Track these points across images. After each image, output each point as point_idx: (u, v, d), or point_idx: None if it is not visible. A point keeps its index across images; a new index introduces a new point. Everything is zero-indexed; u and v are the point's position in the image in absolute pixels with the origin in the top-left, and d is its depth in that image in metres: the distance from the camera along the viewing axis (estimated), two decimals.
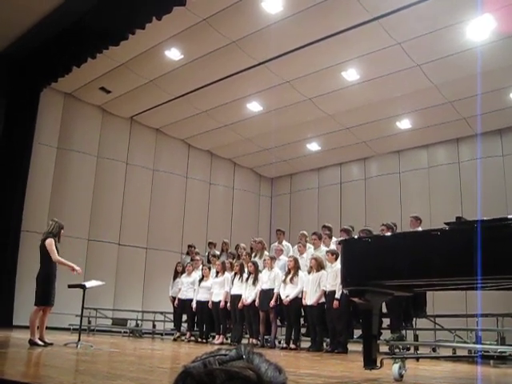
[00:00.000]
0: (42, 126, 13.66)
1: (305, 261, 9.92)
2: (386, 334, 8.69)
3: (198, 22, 10.83)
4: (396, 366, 4.39)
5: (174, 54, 12.11)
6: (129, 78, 13.21)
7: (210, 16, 10.64)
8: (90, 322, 13.72)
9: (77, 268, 7.98)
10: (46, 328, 7.96)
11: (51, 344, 7.64)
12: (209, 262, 12.12)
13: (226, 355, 0.86)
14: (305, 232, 10.78)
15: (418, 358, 6.97)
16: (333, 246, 9.78)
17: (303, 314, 9.68)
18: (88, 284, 8.35)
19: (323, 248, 9.86)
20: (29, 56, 12.37)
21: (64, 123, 14.62)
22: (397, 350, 8.02)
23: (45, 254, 7.82)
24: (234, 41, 11.37)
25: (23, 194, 12.95)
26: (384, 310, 8.42)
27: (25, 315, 11.76)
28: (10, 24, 11.26)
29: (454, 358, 7.52)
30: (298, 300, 9.35)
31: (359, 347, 7.91)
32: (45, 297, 7.71)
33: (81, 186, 14.72)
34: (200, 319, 11.43)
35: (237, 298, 10.34)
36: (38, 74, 12.45)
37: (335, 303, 8.62)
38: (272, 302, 9.67)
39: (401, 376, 4.39)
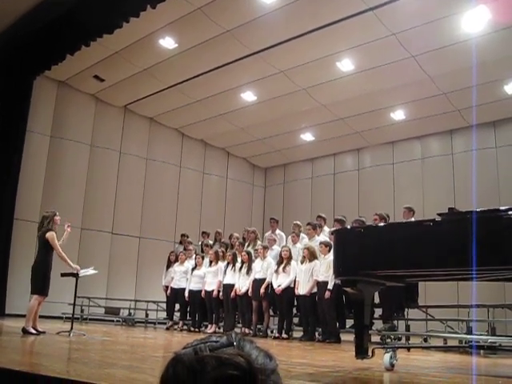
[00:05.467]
0: (35, 115, 13.57)
1: (297, 250, 9.95)
2: (378, 324, 8.75)
3: (193, 11, 10.77)
4: (387, 356, 4.43)
5: (168, 42, 12.05)
6: (123, 66, 13.14)
7: (205, 5, 10.57)
8: (82, 311, 13.71)
9: (75, 266, 8.22)
10: (39, 317, 7.99)
11: (44, 332, 7.67)
12: (202, 251, 12.13)
13: (216, 342, 0.87)
14: (298, 222, 10.80)
15: (409, 348, 7.02)
16: (324, 236, 9.82)
17: (296, 303, 9.72)
18: (81, 272, 8.35)
19: (317, 238, 9.88)
20: (22, 43, 12.26)
21: (57, 111, 14.54)
22: (388, 340, 8.09)
23: (44, 244, 7.89)
24: (228, 30, 11.31)
25: (16, 182, 12.89)
26: (376, 300, 8.46)
27: (17, 303, 11.84)
28: (2, 11, 11.16)
29: (445, 348, 7.58)
30: (290, 290, 9.37)
31: (351, 337, 7.96)
32: (44, 286, 7.79)
33: (74, 174, 14.68)
34: (192, 308, 11.46)
35: (229, 287, 10.37)
36: (31, 62, 12.35)
37: (327, 294, 8.65)
38: (262, 290, 9.70)
39: (392, 365, 4.42)
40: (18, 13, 11.27)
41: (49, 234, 7.87)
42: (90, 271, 8.63)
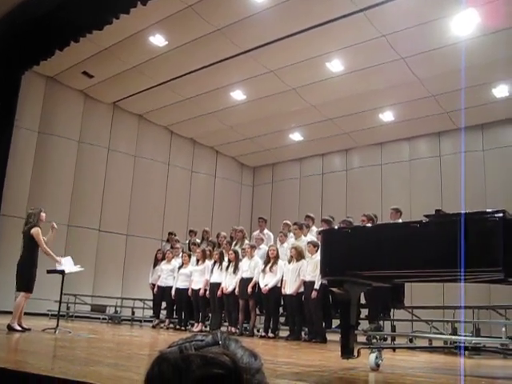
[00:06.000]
0: (22, 110, 13.45)
1: (285, 250, 9.96)
2: (364, 325, 8.77)
3: (184, 9, 10.74)
4: (373, 356, 4.45)
5: (158, 40, 12.01)
6: (112, 63, 13.08)
7: (196, 3, 10.54)
8: (68, 308, 13.66)
9: (59, 259, 8.20)
10: (24, 314, 7.94)
11: (29, 329, 7.63)
12: (189, 250, 12.11)
13: (202, 341, 0.87)
14: (288, 221, 10.83)
15: (394, 349, 7.06)
16: (312, 236, 9.83)
17: (282, 303, 9.73)
18: (67, 269, 8.31)
19: (304, 238, 9.90)
20: (10, 38, 12.16)
21: (45, 107, 14.45)
22: (374, 341, 8.12)
23: (29, 241, 7.84)
24: (219, 28, 11.29)
25: (3, 177, 12.78)
26: (362, 300, 8.49)
27: (2, 300, 11.75)
28: None
29: (431, 349, 7.63)
30: (276, 289, 9.38)
31: (337, 337, 7.98)
32: (29, 283, 7.74)
33: (62, 171, 14.60)
34: (179, 307, 11.45)
35: (216, 286, 10.37)
36: (20, 57, 12.24)
37: (314, 293, 8.67)
38: (249, 289, 9.70)
39: (377, 366, 4.44)
40: (5, 7, 11.18)
41: (34, 230, 7.83)
42: (76, 268, 8.58)
